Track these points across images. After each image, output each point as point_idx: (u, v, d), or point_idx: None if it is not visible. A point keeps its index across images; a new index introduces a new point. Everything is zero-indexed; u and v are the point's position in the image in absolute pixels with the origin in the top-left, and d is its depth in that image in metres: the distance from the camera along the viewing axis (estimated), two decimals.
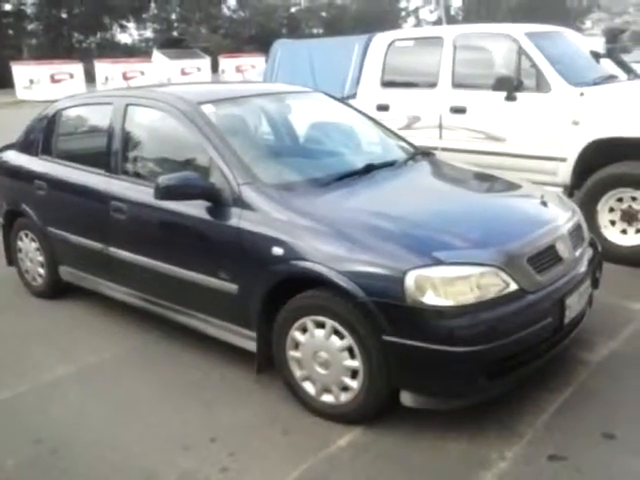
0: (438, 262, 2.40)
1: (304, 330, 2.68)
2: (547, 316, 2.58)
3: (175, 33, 39.38)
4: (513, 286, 2.47)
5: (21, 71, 22.81)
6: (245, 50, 33.28)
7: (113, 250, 3.49)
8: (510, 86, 4.80)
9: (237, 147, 3.06)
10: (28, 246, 4.19)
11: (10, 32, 35.10)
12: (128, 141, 3.55)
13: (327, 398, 2.68)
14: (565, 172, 4.63)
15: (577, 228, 3.02)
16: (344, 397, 2.62)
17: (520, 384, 2.70)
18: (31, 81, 22.23)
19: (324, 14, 44.34)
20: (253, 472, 2.40)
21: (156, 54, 27.08)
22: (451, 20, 32.93)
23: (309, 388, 2.72)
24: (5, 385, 3.09)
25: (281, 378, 2.84)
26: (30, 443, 2.63)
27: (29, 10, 36.25)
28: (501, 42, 5.06)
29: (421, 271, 2.37)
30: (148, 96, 3.58)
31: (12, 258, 4.39)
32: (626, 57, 5.73)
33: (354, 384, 2.57)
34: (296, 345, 2.72)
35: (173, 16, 41.99)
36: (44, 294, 4.19)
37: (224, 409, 2.81)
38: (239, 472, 2.41)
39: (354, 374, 2.57)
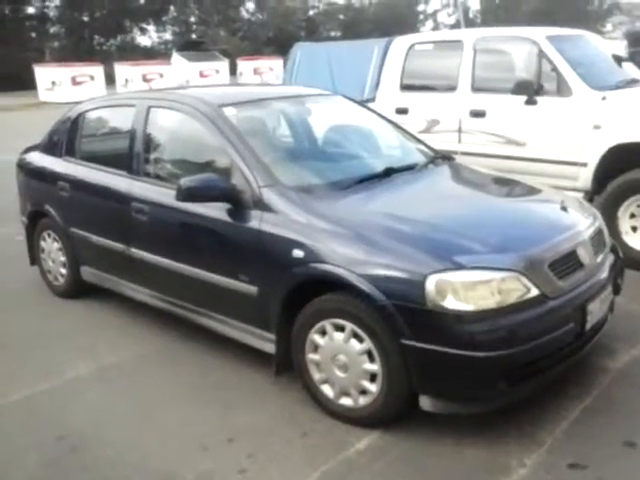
0: (459, 266, 2.40)
1: (323, 333, 2.68)
2: (568, 322, 2.56)
3: (194, 36, 39.67)
4: (534, 291, 2.46)
5: (43, 73, 23.12)
6: (263, 53, 33.46)
7: (134, 251, 3.52)
8: (530, 90, 4.78)
9: (258, 149, 3.08)
10: (51, 246, 4.25)
11: (33, 35, 35.62)
12: (150, 143, 3.59)
13: (345, 401, 2.68)
14: (586, 177, 4.59)
15: (598, 234, 2.99)
16: (363, 400, 2.62)
17: (540, 390, 2.68)
18: (53, 83, 22.52)
19: (342, 17, 44.41)
20: (271, 474, 2.41)
21: (175, 56, 27.30)
22: (469, 23, 32.80)
23: (328, 391, 2.73)
24: (27, 383, 3.13)
25: (300, 381, 2.84)
26: (52, 441, 2.67)
27: (51, 13, 36.76)
28: (522, 45, 5.03)
29: (442, 275, 2.37)
30: (170, 98, 3.61)
31: (35, 258, 4.46)
32: None
33: (373, 388, 2.57)
34: (315, 348, 2.72)
35: (192, 19, 42.32)
36: (66, 294, 4.24)
37: (242, 410, 2.83)
38: (257, 473, 2.42)
39: (373, 378, 2.57)
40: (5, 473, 2.49)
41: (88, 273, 4.05)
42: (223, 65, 27.21)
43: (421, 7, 47.38)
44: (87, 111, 4.17)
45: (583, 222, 2.95)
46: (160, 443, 2.63)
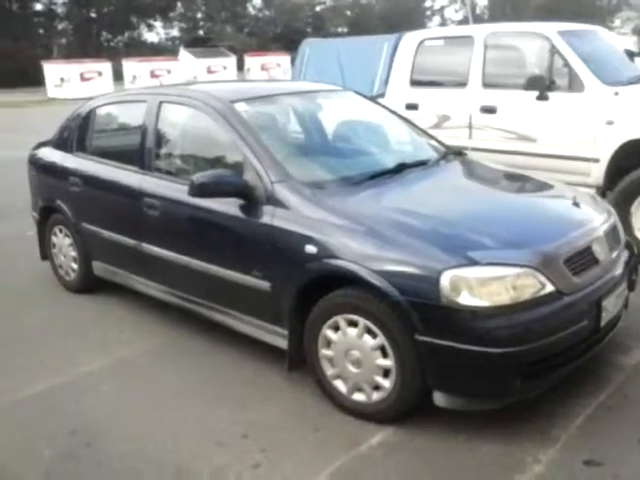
0: (474, 262, 2.39)
1: (336, 328, 2.68)
2: (583, 318, 2.55)
3: (201, 32, 39.70)
4: (549, 287, 2.44)
5: (52, 70, 23.21)
6: (270, 48, 33.44)
7: (146, 246, 3.53)
8: (542, 85, 4.75)
9: (270, 145, 3.07)
10: (62, 241, 4.26)
11: (41, 31, 35.75)
12: (161, 138, 3.59)
13: (359, 397, 2.67)
14: (598, 173, 4.56)
15: (613, 230, 2.97)
16: (376, 396, 2.62)
17: (555, 387, 2.67)
18: (62, 79, 22.62)
19: (349, 13, 44.36)
20: (285, 468, 2.41)
21: (183, 52, 27.34)
22: (477, 19, 32.61)
23: (340, 386, 2.72)
24: (41, 378, 3.15)
25: (312, 376, 2.84)
26: (66, 435, 2.68)
27: (59, 10, 36.91)
28: (533, 41, 5.00)
29: (456, 271, 2.36)
30: (181, 94, 3.61)
31: (46, 253, 4.47)
32: None
33: (386, 383, 2.57)
34: (328, 343, 2.72)
35: (199, 15, 42.40)
36: (77, 289, 4.25)
37: (256, 406, 2.83)
38: (271, 468, 2.42)
39: (386, 373, 2.57)
40: (20, 467, 2.50)
41: (99, 268, 4.06)
42: (230, 61, 27.25)
43: (428, 3, 47.33)
44: (98, 107, 4.18)
45: (598, 218, 2.93)
46: (174, 438, 2.63)
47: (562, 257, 2.54)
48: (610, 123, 4.46)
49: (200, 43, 29.58)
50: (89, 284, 4.19)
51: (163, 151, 3.60)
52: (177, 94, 3.66)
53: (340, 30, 41.94)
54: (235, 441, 2.59)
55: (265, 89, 3.95)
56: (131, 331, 3.64)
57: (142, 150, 3.59)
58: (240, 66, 27.59)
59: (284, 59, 27.24)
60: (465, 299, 2.35)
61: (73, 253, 4.19)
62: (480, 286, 2.36)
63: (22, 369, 3.26)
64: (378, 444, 2.52)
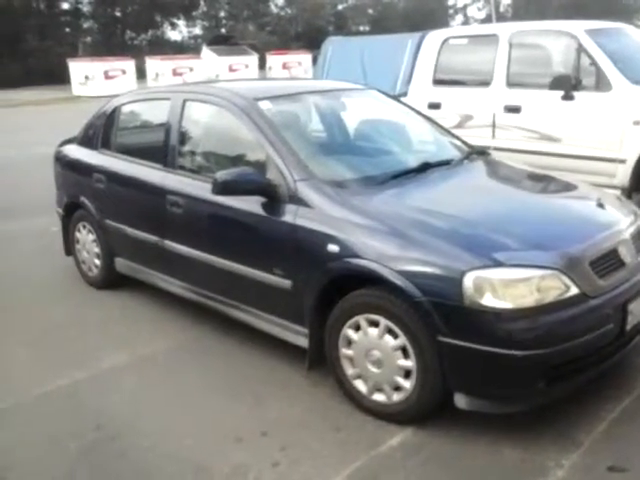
0: (498, 263, 2.36)
1: (357, 328, 2.67)
2: (608, 322, 2.51)
3: (223, 30, 39.89)
4: (574, 290, 2.41)
5: (77, 68, 23.49)
6: (292, 47, 33.48)
7: (168, 243, 3.56)
8: (568, 85, 4.70)
9: (293, 143, 3.07)
10: (85, 237, 4.32)
11: (67, 30, 36.23)
12: (185, 136, 3.61)
13: (379, 397, 2.66)
14: (624, 174, 4.50)
15: (639, 232, 2.92)
16: (396, 397, 2.61)
17: (579, 391, 2.63)
18: (86, 77, 22.88)
19: (371, 11, 44.21)
20: (304, 467, 2.41)
21: (205, 51, 27.48)
22: (500, 17, 32.31)
23: (361, 386, 2.72)
24: (65, 372, 3.19)
25: (332, 375, 2.84)
26: (91, 429, 2.71)
27: (85, 9, 37.37)
28: (559, 40, 4.95)
29: (480, 272, 2.34)
30: (205, 92, 3.64)
31: (70, 248, 4.53)
32: None
33: (407, 384, 2.55)
34: (349, 343, 2.71)
35: (221, 14, 42.59)
36: (99, 284, 4.30)
37: (275, 404, 2.83)
38: (290, 467, 2.42)
39: (407, 374, 2.55)
40: (46, 460, 2.54)
41: (122, 264, 4.10)
42: (252, 59, 27.31)
43: (451, 1, 46.93)
44: (123, 104, 4.21)
45: (624, 220, 2.88)
46: (195, 434, 2.65)
47: (587, 259, 2.50)
48: (638, 123, 4.39)
49: (222, 41, 29.65)
50: (111, 280, 4.24)
51: (186, 149, 3.62)
52: (201, 92, 3.68)
53: (362, 29, 41.84)
54: (255, 438, 2.60)
55: (288, 87, 3.95)
56: (152, 328, 3.67)
57: (166, 148, 3.61)
58: (262, 64, 27.66)
59: (305, 57, 27.25)
60: (489, 300, 2.32)
61: (96, 249, 4.24)
62: (504, 287, 2.33)
63: (45, 364, 3.31)
64: (398, 445, 2.51)
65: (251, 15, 41.46)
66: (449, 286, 2.37)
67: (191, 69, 24.54)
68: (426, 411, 2.58)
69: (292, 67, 27.02)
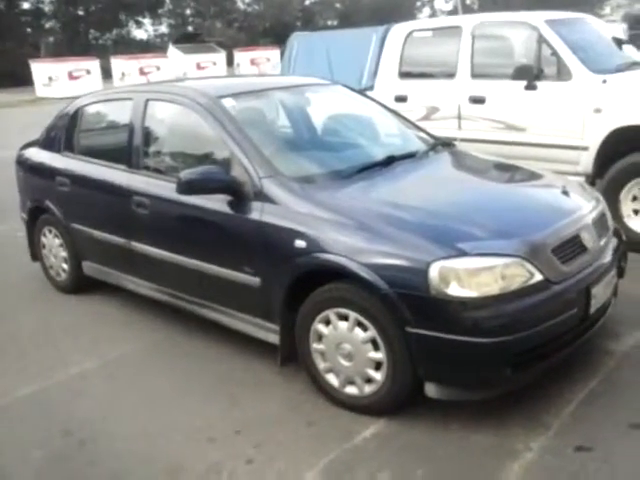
0: (462, 253, 2.39)
1: (327, 322, 2.68)
2: (573, 306, 2.56)
3: (190, 28, 39.49)
4: (538, 276, 2.45)
5: (40, 69, 23.02)
6: (260, 43, 33.29)
7: (136, 245, 3.52)
8: (530, 75, 4.75)
9: (258, 140, 3.06)
10: (52, 242, 4.25)
11: (28, 30, 35.48)
12: (149, 136, 3.57)
13: (351, 390, 2.68)
14: (587, 161, 4.57)
15: (601, 217, 2.98)
16: (368, 389, 2.62)
17: (545, 375, 2.68)
18: (50, 78, 22.44)
19: (338, 5, 44.14)
20: (278, 463, 2.42)
21: (171, 49, 27.15)
22: (467, 9, 32.51)
23: (333, 380, 2.73)
24: (32, 379, 3.14)
25: (305, 370, 2.85)
26: (59, 436, 2.68)
27: (46, 8, 36.62)
28: (521, 30, 4.99)
29: (445, 262, 2.36)
30: (168, 91, 3.60)
31: (36, 254, 4.46)
32: None
33: (378, 376, 2.58)
34: (319, 337, 2.72)
35: (188, 11, 42.12)
36: (68, 289, 4.24)
37: (248, 402, 2.83)
38: (264, 463, 2.43)
39: (378, 366, 2.57)
40: (12, 468, 2.50)
41: (90, 268, 4.05)
42: (220, 57, 27.08)
43: None
44: (85, 106, 4.15)
45: (586, 206, 2.94)
46: (167, 436, 2.63)
47: (550, 246, 2.55)
48: (598, 111, 4.46)
49: (189, 39, 29.33)
50: (80, 284, 4.18)
51: (151, 149, 3.58)
52: (163, 91, 3.64)
53: (330, 23, 41.78)
54: (228, 437, 2.59)
55: (252, 84, 3.94)
56: (122, 331, 3.63)
57: (130, 148, 3.57)
58: (230, 61, 27.45)
59: (274, 53, 27.11)
60: (454, 290, 2.35)
61: (63, 253, 4.17)
62: (469, 277, 2.36)
63: (13, 371, 3.25)
64: (371, 436, 2.53)
65: (218, 12, 41.08)
66: (415, 277, 2.40)
67: (158, 68, 24.24)
68: (398, 402, 2.60)
69: (260, 63, 26.88)
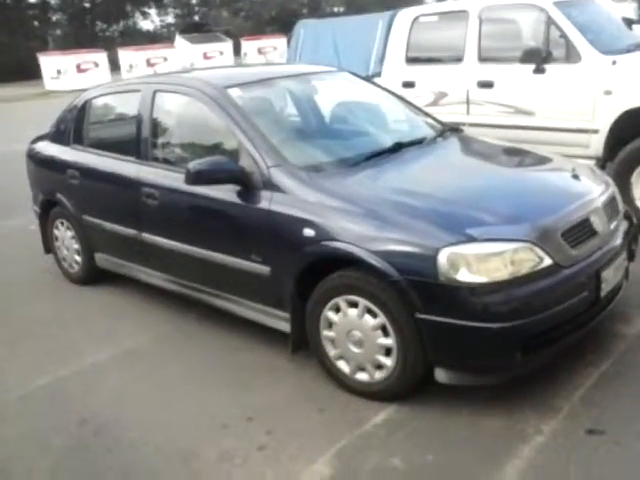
0: (471, 239, 2.39)
1: (337, 310, 2.70)
2: (583, 290, 2.55)
3: (196, 17, 39.38)
4: (547, 261, 2.44)
5: (48, 62, 23.09)
6: (266, 32, 33.16)
7: (146, 236, 3.55)
8: (538, 58, 4.71)
9: (265, 130, 3.06)
10: (64, 234, 4.29)
11: (35, 23, 35.56)
12: (157, 127, 3.59)
13: (361, 376, 2.70)
14: (597, 144, 4.53)
15: (611, 200, 2.96)
16: (378, 375, 2.64)
17: (556, 358, 2.69)
18: (58, 71, 22.51)
19: None
20: (290, 449, 2.45)
21: (178, 39, 27.13)
22: None
23: (343, 367, 2.75)
24: (48, 370, 3.19)
25: (315, 357, 2.87)
26: (75, 425, 2.72)
27: (53, 1, 36.64)
28: (528, 13, 4.94)
29: (454, 248, 2.36)
30: (175, 82, 3.61)
31: (49, 246, 4.50)
32: None
33: (388, 362, 2.59)
34: (330, 325, 2.74)
35: (193, 0, 41.96)
36: (81, 281, 4.29)
37: (260, 389, 2.86)
38: (276, 449, 2.45)
39: (388, 352, 2.59)
40: (31, 458, 2.55)
41: (102, 259, 4.08)
42: (227, 46, 27.03)
43: None
44: (93, 98, 4.17)
45: (596, 190, 2.92)
46: (181, 424, 2.67)
47: (560, 230, 2.54)
48: (608, 93, 4.42)
49: (196, 29, 29.31)
50: (93, 276, 4.22)
51: (159, 140, 3.60)
52: (171, 82, 3.65)
53: (336, 10, 41.43)
54: (241, 424, 2.63)
55: (259, 73, 3.93)
56: (135, 321, 3.67)
57: (138, 140, 3.59)
58: (237, 51, 27.39)
59: (281, 42, 27.00)
60: (464, 276, 2.35)
61: (76, 246, 4.21)
62: (478, 262, 2.36)
63: (29, 362, 3.30)
64: (382, 422, 2.55)
65: (224, 1, 40.90)
66: (424, 264, 2.40)
67: (165, 59, 24.24)
68: (408, 387, 2.62)
69: (268, 52, 26.81)
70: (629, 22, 5.28)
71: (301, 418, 2.63)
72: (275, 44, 27.19)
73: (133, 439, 2.60)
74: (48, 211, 4.39)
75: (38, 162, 4.48)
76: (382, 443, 2.43)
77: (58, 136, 4.31)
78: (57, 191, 4.21)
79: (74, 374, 3.14)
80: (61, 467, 2.49)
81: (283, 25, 31.56)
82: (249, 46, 27.20)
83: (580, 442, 2.33)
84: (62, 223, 4.29)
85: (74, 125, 4.18)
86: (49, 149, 4.37)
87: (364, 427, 2.53)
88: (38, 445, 2.61)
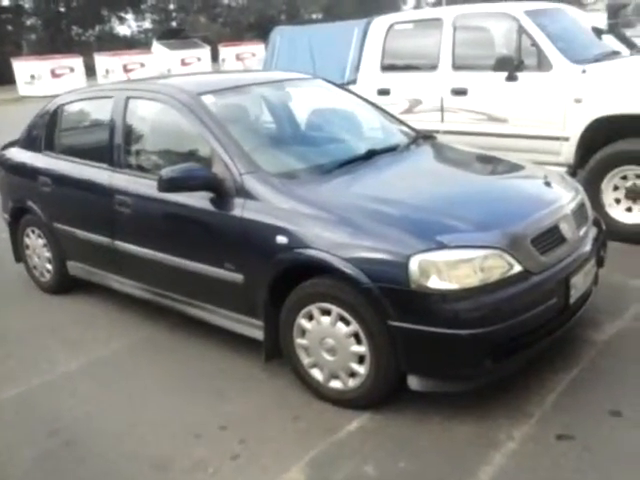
0: (442, 246, 2.41)
1: (310, 317, 2.69)
2: (552, 296, 2.59)
3: (174, 23, 39.19)
4: (517, 268, 2.47)
5: (22, 67, 22.75)
6: (245, 38, 33.11)
7: (119, 244, 3.51)
8: (511, 66, 4.77)
9: (238, 137, 3.06)
10: (35, 242, 4.22)
11: (9, 28, 35.02)
12: (130, 134, 3.56)
13: (335, 384, 2.70)
14: (568, 151, 4.60)
15: (581, 207, 3.01)
16: (352, 383, 2.64)
17: (527, 365, 2.71)
18: (32, 77, 22.20)
19: None
20: (264, 458, 2.43)
21: (156, 45, 26.93)
22: (450, 1, 32.55)
23: (317, 375, 2.74)
24: (19, 379, 3.13)
25: (289, 365, 2.86)
26: (45, 435, 2.68)
27: (27, 5, 36.15)
28: (501, 21, 5.01)
29: (425, 255, 2.38)
30: (148, 88, 3.59)
31: (20, 255, 4.43)
32: (630, 32, 5.67)
33: (361, 369, 2.59)
34: (303, 332, 2.74)
35: (171, 6, 41.78)
36: (53, 289, 4.22)
37: (234, 398, 2.84)
38: (250, 459, 2.44)
39: (361, 359, 2.59)
40: (1, 470, 2.50)
41: (74, 268, 4.03)
42: (205, 52, 26.91)
43: None
44: (65, 104, 4.12)
45: (565, 196, 2.96)
46: (153, 433, 2.64)
47: (529, 237, 2.57)
48: (578, 101, 4.50)
49: (173, 35, 29.09)
50: (65, 284, 4.16)
51: (132, 147, 3.57)
52: (144, 89, 3.63)
53: (315, 16, 41.59)
54: (214, 433, 2.61)
55: (233, 80, 3.92)
56: (107, 329, 3.63)
57: (111, 147, 3.56)
58: (215, 57, 27.29)
59: (259, 48, 26.89)
60: (434, 283, 2.37)
61: (47, 254, 4.15)
62: (449, 269, 2.38)
63: None
64: (356, 430, 2.55)
65: (202, 7, 40.78)
66: (396, 271, 2.41)
67: (142, 65, 24.04)
68: (381, 395, 2.62)
69: (246, 58, 26.74)
70: (599, 32, 5.37)
71: (275, 426, 2.62)
72: (254, 50, 27.13)
73: (105, 449, 2.56)
74: (19, 219, 4.31)
75: (8, 169, 4.41)
76: (355, 451, 2.43)
77: (29, 142, 4.25)
78: (28, 198, 4.15)
79: (45, 383, 3.09)
80: (31, 479, 2.44)
81: (261, 31, 31.54)
82: (227, 52, 27.11)
83: (550, 448, 2.36)
84: (33, 231, 4.22)
85: (46, 131, 4.13)
86: (20, 156, 4.30)
87: (338, 435, 2.52)
88: (8, 456, 2.57)
